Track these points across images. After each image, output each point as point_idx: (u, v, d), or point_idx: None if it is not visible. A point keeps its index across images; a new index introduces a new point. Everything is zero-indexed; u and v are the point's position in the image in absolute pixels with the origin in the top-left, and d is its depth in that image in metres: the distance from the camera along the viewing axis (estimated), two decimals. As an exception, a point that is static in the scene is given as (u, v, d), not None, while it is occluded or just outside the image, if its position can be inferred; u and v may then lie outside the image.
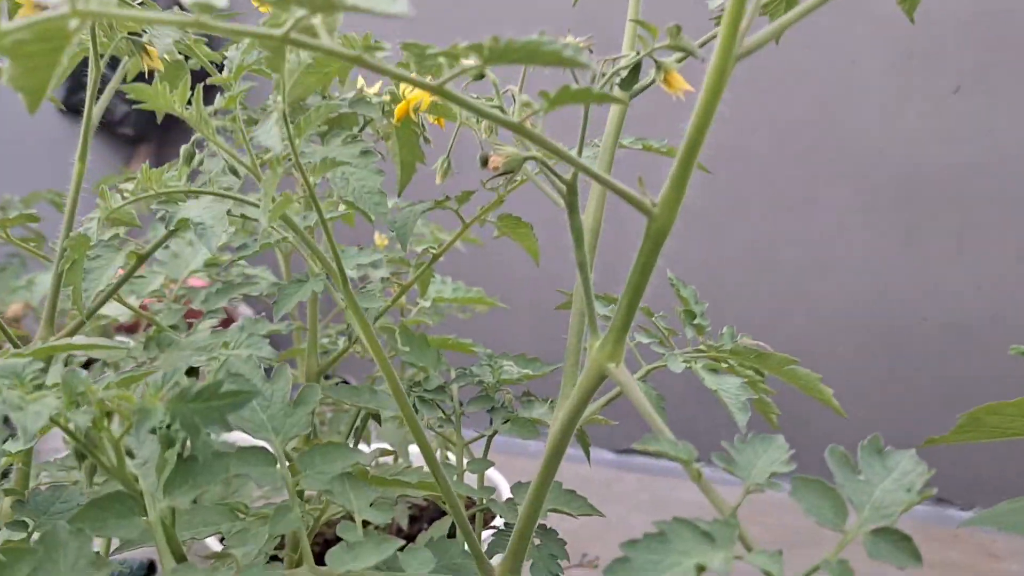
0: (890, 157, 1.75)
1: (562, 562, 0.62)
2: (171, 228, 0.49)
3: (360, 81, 0.72)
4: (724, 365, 0.60)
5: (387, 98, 0.66)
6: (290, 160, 0.43)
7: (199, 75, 0.55)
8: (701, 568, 0.31)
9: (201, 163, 0.50)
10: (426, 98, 0.56)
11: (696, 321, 0.64)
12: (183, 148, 0.49)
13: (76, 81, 2.36)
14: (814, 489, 0.36)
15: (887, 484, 0.36)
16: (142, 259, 0.57)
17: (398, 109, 0.56)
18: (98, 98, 0.59)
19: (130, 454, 0.40)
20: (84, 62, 0.59)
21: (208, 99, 0.48)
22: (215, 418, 0.33)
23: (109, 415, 0.38)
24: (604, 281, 0.61)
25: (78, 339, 0.45)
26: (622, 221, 0.55)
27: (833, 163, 1.80)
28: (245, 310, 1.59)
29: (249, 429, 0.50)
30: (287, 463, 0.49)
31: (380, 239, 1.12)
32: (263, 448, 0.49)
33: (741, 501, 0.36)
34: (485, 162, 0.42)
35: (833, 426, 1.09)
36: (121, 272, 0.56)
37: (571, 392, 0.45)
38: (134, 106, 0.45)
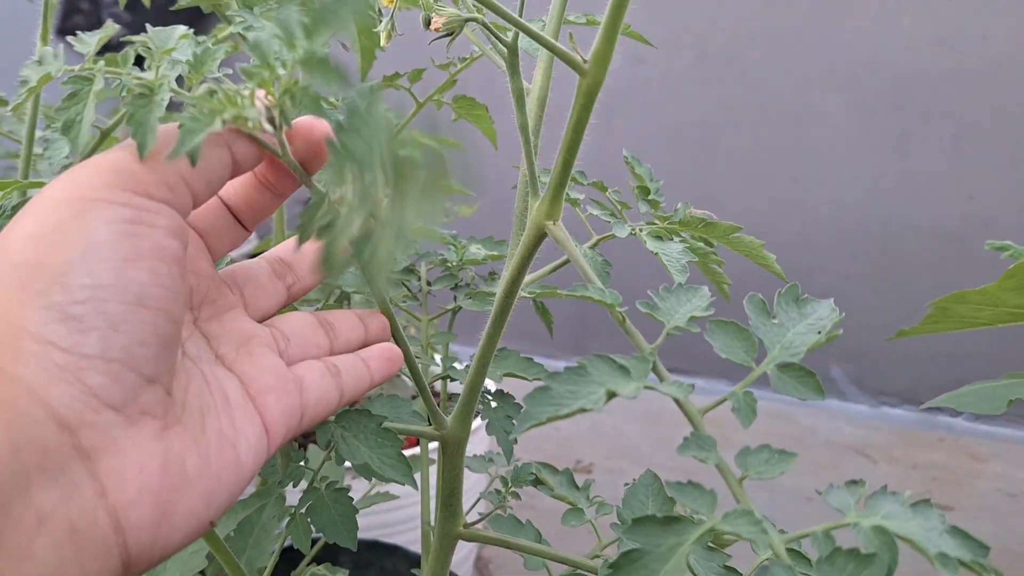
0: (884, 63, 1.73)
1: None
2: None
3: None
4: (678, 239, 0.61)
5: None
6: None
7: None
8: (612, 394, 0.33)
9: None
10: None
11: (650, 197, 0.65)
12: None
13: (71, 5, 2.33)
14: (728, 330, 0.38)
15: (800, 327, 0.38)
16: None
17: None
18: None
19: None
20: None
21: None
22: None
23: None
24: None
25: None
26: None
27: (826, 70, 1.78)
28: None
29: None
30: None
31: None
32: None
33: (661, 341, 0.38)
34: (428, 23, 0.43)
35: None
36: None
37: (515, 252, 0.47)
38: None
